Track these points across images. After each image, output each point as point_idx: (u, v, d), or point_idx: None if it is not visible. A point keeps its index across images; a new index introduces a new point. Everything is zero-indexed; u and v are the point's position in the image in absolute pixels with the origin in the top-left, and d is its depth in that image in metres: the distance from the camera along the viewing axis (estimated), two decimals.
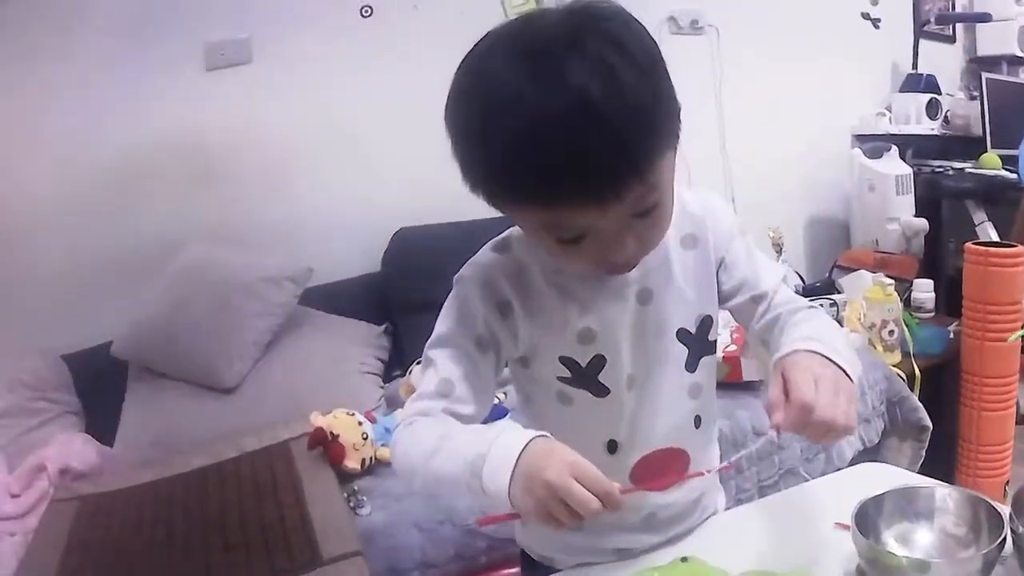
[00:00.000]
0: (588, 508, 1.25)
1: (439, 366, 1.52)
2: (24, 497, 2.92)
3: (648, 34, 1.33)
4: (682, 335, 1.61)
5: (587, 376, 1.57)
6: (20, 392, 3.27)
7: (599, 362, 1.57)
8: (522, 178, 1.29)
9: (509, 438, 1.33)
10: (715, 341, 1.67)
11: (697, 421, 1.68)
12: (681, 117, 1.36)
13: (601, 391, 1.58)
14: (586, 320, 1.55)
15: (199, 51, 3.66)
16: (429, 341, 1.55)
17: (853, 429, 1.37)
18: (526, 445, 1.30)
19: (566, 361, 1.56)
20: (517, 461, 1.29)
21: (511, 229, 1.58)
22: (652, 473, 1.63)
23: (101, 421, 3.33)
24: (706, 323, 1.63)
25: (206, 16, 3.64)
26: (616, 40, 1.27)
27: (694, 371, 1.64)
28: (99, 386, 3.41)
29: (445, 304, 1.57)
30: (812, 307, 1.65)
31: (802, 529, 1.67)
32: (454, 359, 1.51)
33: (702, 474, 1.61)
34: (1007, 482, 3.91)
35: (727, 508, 1.91)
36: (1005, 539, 1.38)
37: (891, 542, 1.51)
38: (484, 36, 1.36)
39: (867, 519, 1.49)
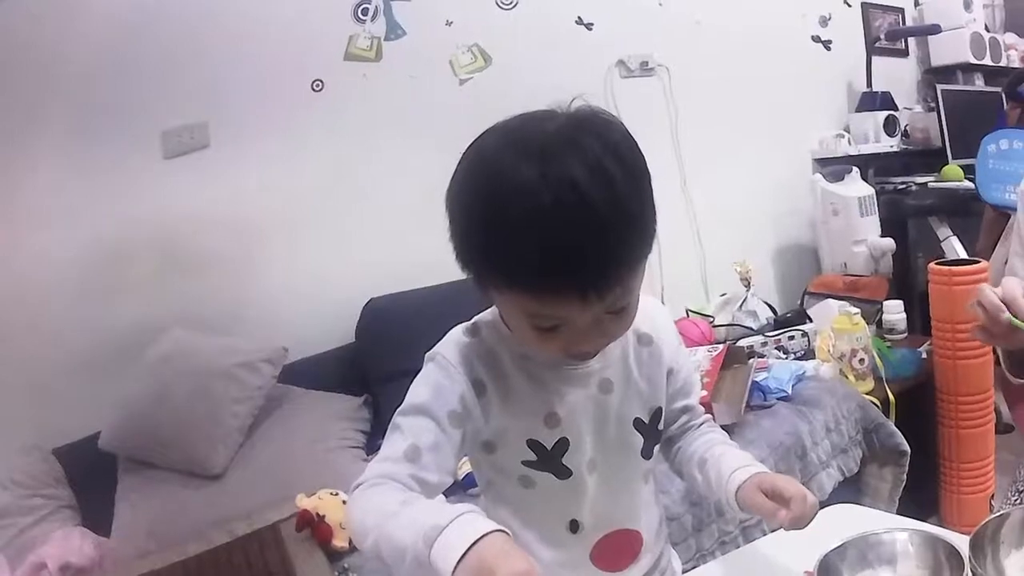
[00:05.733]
0: None
1: (407, 432, 1.52)
2: None
3: (640, 150, 1.42)
4: (638, 424, 1.70)
5: (552, 458, 1.62)
6: (14, 491, 3.23)
7: (563, 445, 1.61)
8: (518, 266, 1.35)
9: (471, 521, 1.31)
10: (663, 430, 1.78)
11: (647, 504, 1.78)
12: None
13: (564, 473, 1.63)
14: (552, 405, 1.61)
15: (156, 140, 3.66)
16: (400, 408, 1.56)
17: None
18: (486, 535, 1.28)
19: (533, 444, 1.60)
20: (472, 546, 1.27)
21: (478, 316, 1.65)
22: (610, 553, 1.72)
23: (96, 513, 3.30)
24: (657, 414, 1.74)
25: (160, 105, 3.64)
26: (614, 149, 1.36)
27: (649, 458, 1.74)
28: (92, 478, 3.38)
29: (419, 377, 1.59)
30: (709, 423, 1.90)
31: None
32: (424, 428, 1.52)
33: None
34: (992, 496, 3.92)
35: (692, 566, 1.97)
36: None
37: None
38: (490, 128, 1.44)
39: (830, 569, 1.53)
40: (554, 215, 1.30)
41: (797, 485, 1.58)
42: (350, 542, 2.86)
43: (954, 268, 3.93)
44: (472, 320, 1.65)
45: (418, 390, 1.57)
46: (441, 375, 1.57)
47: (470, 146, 1.44)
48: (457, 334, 1.63)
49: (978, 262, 3.95)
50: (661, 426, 1.77)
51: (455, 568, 1.26)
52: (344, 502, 2.93)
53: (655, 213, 1.42)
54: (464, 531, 1.29)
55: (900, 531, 1.60)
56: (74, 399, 3.49)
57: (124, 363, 3.49)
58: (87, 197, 3.51)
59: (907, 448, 3.75)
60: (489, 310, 1.63)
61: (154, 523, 3.19)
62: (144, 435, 3.37)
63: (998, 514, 1.55)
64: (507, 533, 1.31)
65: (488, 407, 1.58)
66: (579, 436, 1.63)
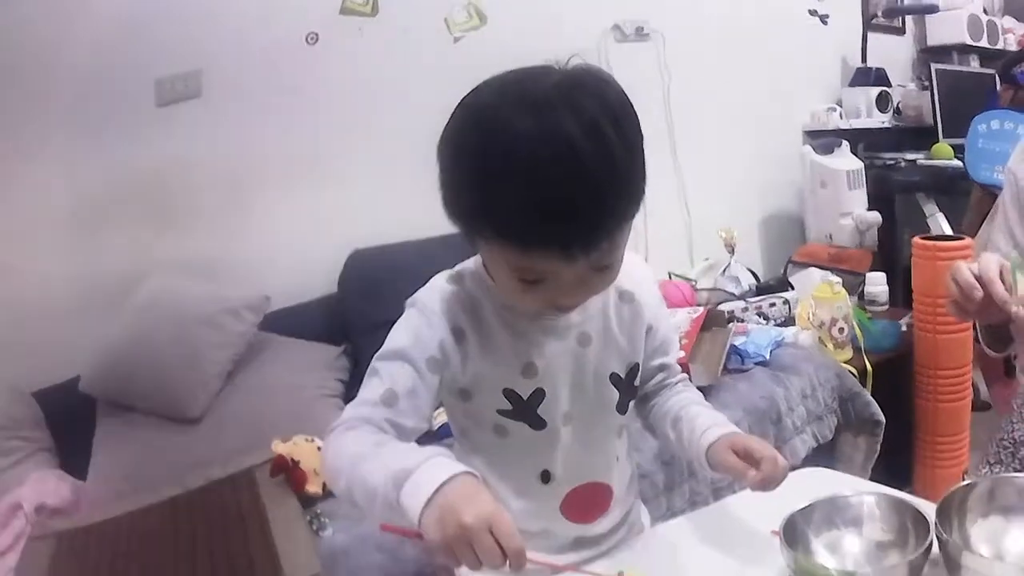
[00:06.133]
0: (493, 562, 1.27)
1: (385, 377, 1.55)
2: (2, 537, 2.89)
3: (634, 112, 1.43)
4: (614, 379, 1.73)
5: (527, 409, 1.64)
6: None
7: (539, 395, 1.64)
8: (506, 219, 1.37)
9: (439, 464, 1.34)
10: (639, 387, 1.80)
11: (620, 459, 1.81)
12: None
13: (538, 424, 1.65)
14: (531, 355, 1.63)
15: (150, 88, 3.64)
16: (379, 353, 1.58)
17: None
18: (453, 476, 1.31)
19: (508, 394, 1.63)
20: (439, 488, 1.29)
21: (462, 264, 1.67)
22: (580, 505, 1.74)
23: (74, 456, 3.31)
24: (634, 370, 1.77)
25: (154, 53, 3.62)
26: (610, 109, 1.37)
27: (624, 413, 1.76)
28: (71, 421, 3.39)
29: (399, 322, 1.61)
30: (685, 382, 1.92)
31: (739, 538, 1.72)
32: (402, 374, 1.54)
33: None
34: (965, 470, 3.95)
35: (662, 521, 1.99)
36: (931, 545, 1.41)
37: (821, 551, 1.55)
38: (487, 81, 1.45)
39: (796, 529, 1.53)
40: (546, 170, 1.31)
41: (769, 448, 1.61)
42: (324, 488, 2.87)
43: (938, 243, 3.97)
44: (455, 268, 1.66)
45: (397, 335, 1.59)
46: (421, 321, 1.58)
47: (465, 97, 1.45)
48: (439, 281, 1.64)
49: (962, 239, 3.99)
50: (637, 382, 1.79)
51: (422, 511, 1.28)
52: (319, 448, 2.93)
53: (645, 174, 1.43)
54: (432, 474, 1.31)
55: (868, 495, 1.62)
56: (57, 343, 3.48)
57: (108, 308, 3.49)
58: (78, 142, 3.51)
59: (882, 418, 3.78)
60: (473, 259, 1.65)
61: (131, 466, 3.21)
62: (124, 378, 3.38)
63: (966, 483, 1.57)
64: (476, 475, 1.33)
65: (466, 354, 1.60)
66: (555, 388, 1.65)
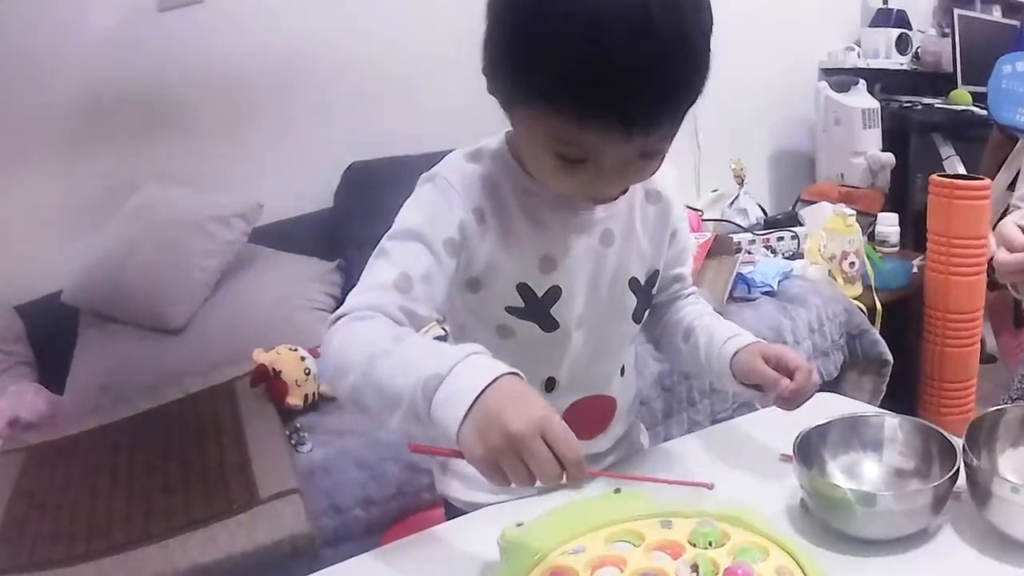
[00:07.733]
0: (549, 475, 1.13)
1: (397, 259, 1.39)
2: None
3: (710, 6, 1.32)
4: (633, 284, 1.63)
5: (541, 307, 1.53)
6: None
7: (555, 293, 1.53)
8: (566, 81, 1.24)
9: (475, 365, 1.19)
10: (654, 295, 1.72)
11: (623, 370, 1.72)
12: None
13: (550, 324, 1.54)
14: (550, 248, 1.51)
15: None
16: (389, 232, 1.43)
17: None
18: (494, 380, 1.17)
19: (522, 289, 1.51)
20: (479, 396, 1.15)
21: (483, 141, 1.53)
22: (582, 419, 1.58)
23: (54, 370, 3.30)
24: (654, 277, 1.68)
25: None
26: None
27: (639, 323, 1.67)
28: (52, 335, 3.38)
29: (412, 199, 1.47)
30: (696, 295, 1.84)
31: (745, 460, 1.64)
32: (416, 255, 1.40)
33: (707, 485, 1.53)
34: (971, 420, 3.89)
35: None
36: (957, 472, 1.33)
37: (836, 474, 1.47)
38: None
39: (811, 449, 1.44)
40: (619, 35, 1.19)
41: (803, 358, 1.55)
42: (305, 400, 2.91)
43: (956, 181, 3.91)
44: (475, 146, 1.54)
45: (411, 213, 1.45)
46: (440, 198, 1.45)
47: None
48: (457, 157, 1.51)
49: (980, 179, 3.94)
50: (655, 291, 1.69)
51: (460, 425, 1.15)
52: (303, 359, 2.95)
53: (709, 66, 1.32)
54: (468, 380, 1.17)
55: (890, 416, 1.53)
56: (43, 255, 3.48)
57: (96, 220, 3.48)
58: (72, 46, 3.45)
59: (890, 357, 3.75)
60: (495, 138, 1.53)
61: (109, 378, 3.21)
62: (108, 286, 3.35)
63: (995, 408, 1.50)
64: (520, 375, 1.20)
65: (485, 237, 1.47)
66: (572, 287, 1.54)
